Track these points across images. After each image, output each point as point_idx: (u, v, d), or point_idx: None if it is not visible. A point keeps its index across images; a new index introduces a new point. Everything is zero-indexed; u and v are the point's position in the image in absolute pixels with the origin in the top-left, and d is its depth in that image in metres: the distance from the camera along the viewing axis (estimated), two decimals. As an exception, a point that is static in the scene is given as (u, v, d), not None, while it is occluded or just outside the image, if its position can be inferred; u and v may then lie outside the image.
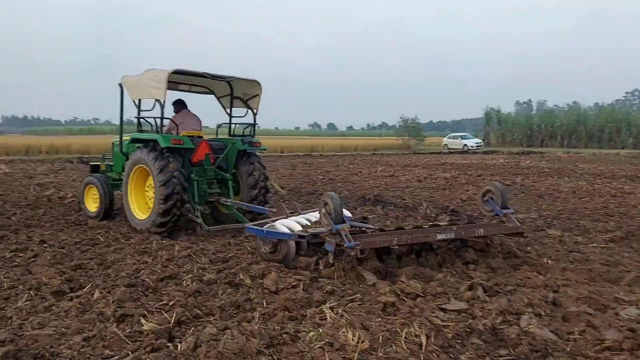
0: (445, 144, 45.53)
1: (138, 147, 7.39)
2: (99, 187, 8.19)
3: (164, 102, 7.09)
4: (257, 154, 8.11)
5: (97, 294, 4.42)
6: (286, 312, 4.05)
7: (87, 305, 4.19)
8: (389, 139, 54.75)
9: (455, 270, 5.19)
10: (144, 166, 7.14)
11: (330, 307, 4.09)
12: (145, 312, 3.98)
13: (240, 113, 8.44)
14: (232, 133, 8.43)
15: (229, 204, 7.57)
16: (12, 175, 16.12)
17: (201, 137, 7.94)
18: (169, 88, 7.67)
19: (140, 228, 7.15)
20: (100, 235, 6.97)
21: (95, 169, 8.96)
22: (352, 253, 4.67)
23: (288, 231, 5.35)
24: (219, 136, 8.70)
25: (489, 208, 6.02)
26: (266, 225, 5.56)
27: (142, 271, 5.19)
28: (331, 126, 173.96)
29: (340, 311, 4.02)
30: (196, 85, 8.53)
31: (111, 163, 8.77)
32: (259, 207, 7.35)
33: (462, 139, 45.06)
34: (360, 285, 4.70)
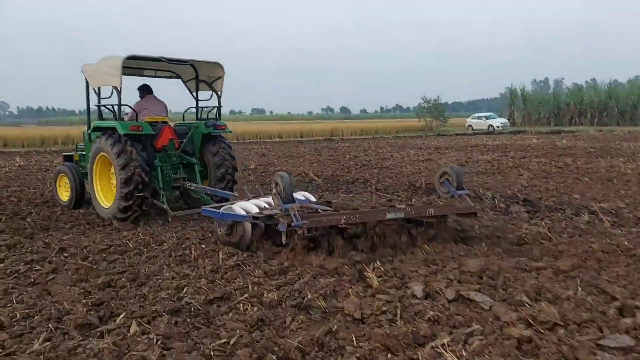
0: (469, 125, 43.96)
1: (98, 136, 7.33)
2: (69, 176, 8.18)
3: (120, 88, 6.98)
4: (222, 136, 8.10)
5: (134, 327, 3.43)
6: (389, 355, 3.01)
7: (123, 345, 3.19)
8: (409, 121, 53.21)
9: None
10: (105, 154, 7.10)
11: (446, 345, 3.05)
12: (202, 357, 2.98)
13: (207, 96, 8.36)
14: (199, 117, 8.34)
15: (193, 188, 7.52)
16: (27, 169, 15.26)
17: (166, 122, 7.82)
18: (132, 74, 8.23)
19: (106, 216, 7.15)
20: (128, 240, 6.00)
21: (68, 159, 8.83)
22: (300, 232, 4.69)
23: (244, 213, 5.31)
24: (186, 121, 8.68)
25: (445, 190, 6.07)
26: (223, 208, 5.55)
27: (185, 289, 4.19)
28: (344, 110, 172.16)
29: (463, 352, 2.97)
30: (162, 70, 8.43)
31: (84, 153, 8.49)
32: (223, 191, 7.23)
33: (487, 119, 43.41)
34: (471, 309, 3.64)
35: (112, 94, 7.21)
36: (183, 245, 5.67)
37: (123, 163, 6.76)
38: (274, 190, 5.04)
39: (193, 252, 5.36)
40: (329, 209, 5.78)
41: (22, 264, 5.06)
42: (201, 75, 8.20)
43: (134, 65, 7.85)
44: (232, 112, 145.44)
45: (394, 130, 42.73)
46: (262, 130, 37.95)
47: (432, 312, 3.53)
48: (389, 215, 5.25)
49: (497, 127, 41.54)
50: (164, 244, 5.78)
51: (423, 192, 9.39)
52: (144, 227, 6.43)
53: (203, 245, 5.60)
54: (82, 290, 4.23)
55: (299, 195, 6.34)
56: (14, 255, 5.42)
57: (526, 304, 3.62)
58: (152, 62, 7.90)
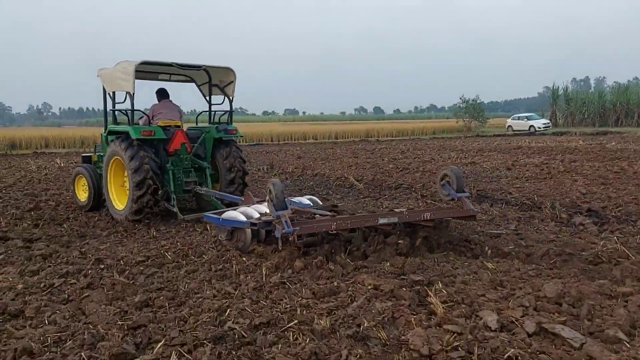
0: (509, 126, 42.62)
1: (112, 140, 7.48)
2: (87, 178, 8.25)
3: (133, 93, 7.13)
4: (234, 140, 8.20)
5: (174, 358, 3.07)
6: (470, 406, 2.55)
7: (162, 382, 2.82)
8: (446, 122, 52.16)
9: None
10: (119, 158, 7.26)
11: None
12: (252, 403, 2.58)
13: (220, 100, 8.51)
14: (212, 120, 8.46)
15: (202, 192, 7.60)
16: (67, 170, 15.33)
17: (179, 126, 7.94)
18: (148, 79, 8.53)
19: (119, 218, 7.30)
20: (167, 250, 5.69)
21: (86, 160, 8.96)
22: (291, 238, 4.72)
23: (243, 219, 5.35)
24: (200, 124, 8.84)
25: (446, 192, 6.00)
26: (224, 214, 5.61)
27: (228, 311, 3.82)
28: (377, 110, 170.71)
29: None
30: (177, 74, 8.57)
31: (102, 154, 8.49)
32: (230, 195, 7.27)
33: (528, 119, 41.98)
34: (557, 346, 3.13)
35: (125, 98, 7.39)
36: (224, 258, 5.32)
37: (135, 167, 6.91)
38: (267, 197, 5.06)
39: (234, 265, 5.00)
40: (329, 214, 5.72)
41: (57, 276, 4.80)
42: (214, 79, 8.35)
43: (148, 70, 8.10)
44: (265, 112, 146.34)
45: (430, 131, 41.87)
46: (296, 131, 37.71)
47: (512, 350, 3.04)
48: (382, 220, 5.23)
49: (539, 128, 40.15)
50: (204, 256, 5.44)
51: (474, 200, 8.82)
52: (183, 236, 6.12)
53: (244, 259, 5.23)
54: (118, 309, 3.90)
55: (305, 199, 6.38)
56: (49, 266, 5.17)
57: (624, 342, 3.09)
58: (165, 67, 8.01)
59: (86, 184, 8.32)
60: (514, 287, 4.22)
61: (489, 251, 5.44)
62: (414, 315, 3.66)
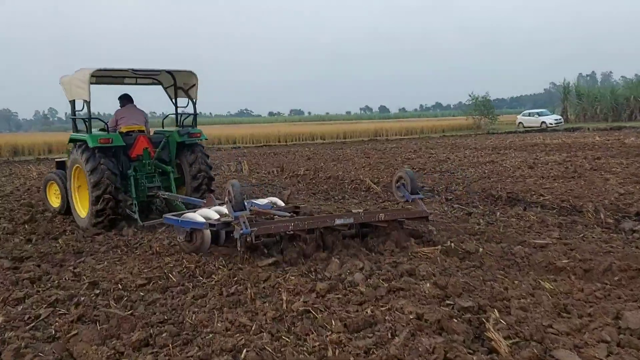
0: (520, 122, 41.74)
1: (72, 148, 7.55)
2: (59, 184, 8.22)
3: (89, 101, 7.11)
4: (200, 144, 8.15)
5: None
6: None
7: None
8: (454, 120, 51.30)
9: None
10: (79, 165, 7.25)
11: None
12: None
13: (183, 103, 8.48)
14: (179, 123, 8.44)
15: (166, 196, 7.55)
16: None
17: (143, 131, 7.92)
18: (114, 83, 8.62)
19: (83, 226, 7.24)
20: (171, 269, 5.03)
21: (60, 165, 8.81)
22: (248, 239, 4.78)
23: (202, 220, 5.35)
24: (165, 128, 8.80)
25: (400, 194, 6.07)
26: (183, 216, 5.62)
27: (245, 352, 3.16)
28: (383, 109, 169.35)
29: None
30: (143, 78, 8.57)
31: None
32: (194, 199, 7.20)
33: (540, 115, 41.06)
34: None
35: (83, 107, 7.43)
36: (235, 279, 4.66)
37: (92, 167, 6.90)
38: (226, 199, 5.10)
39: (249, 288, 4.34)
40: (288, 214, 5.78)
41: (45, 305, 4.16)
42: (178, 82, 8.32)
43: (110, 75, 8.15)
44: (271, 113, 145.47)
45: (439, 130, 41.07)
46: (303, 131, 37.04)
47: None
48: (338, 222, 5.35)
49: (550, 124, 39.25)
50: (213, 276, 4.78)
51: (505, 203, 8.12)
52: (190, 254, 5.48)
53: (263, 288, 4.55)
54: (113, 351, 3.25)
55: (266, 200, 6.43)
56: (37, 292, 4.53)
57: None
58: (128, 71, 7.92)
59: (58, 190, 8.35)
60: (582, 314, 3.55)
61: (540, 264, 4.76)
62: (472, 354, 2.99)
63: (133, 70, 7.71)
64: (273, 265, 4.92)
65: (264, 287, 4.41)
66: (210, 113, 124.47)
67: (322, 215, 5.90)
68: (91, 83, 7.13)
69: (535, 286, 4.14)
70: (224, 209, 5.59)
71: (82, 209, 7.47)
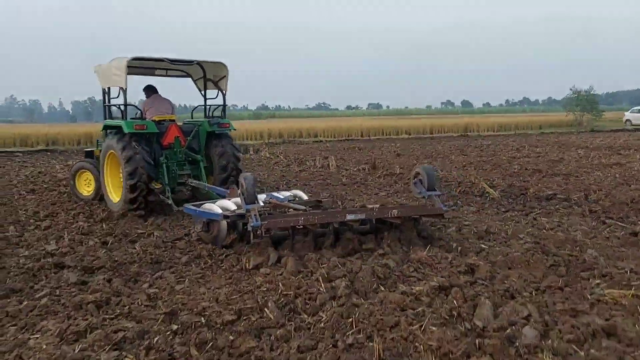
0: (628, 120, 37.55)
1: (107, 135, 7.88)
2: (92, 171, 8.37)
3: (126, 89, 7.30)
4: (229, 135, 8.30)
5: None
6: None
7: None
8: (551, 115, 47.35)
9: None
10: (113, 151, 7.37)
11: None
12: None
13: (213, 95, 8.57)
14: (207, 114, 8.63)
15: (194, 185, 7.65)
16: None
17: (173, 120, 8.02)
18: (144, 74, 8.77)
19: (116, 210, 7.38)
20: (266, 299, 3.92)
21: (89, 154, 9.14)
22: (258, 232, 4.78)
23: (219, 211, 5.37)
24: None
25: (417, 190, 5.97)
26: (202, 206, 5.70)
27: None
28: (466, 103, 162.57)
29: None
30: (173, 69, 8.72)
31: None
32: (219, 188, 7.25)
33: (652, 112, 36.85)
34: None
35: (118, 94, 7.55)
36: (351, 319, 3.47)
37: (127, 156, 7.02)
38: (239, 191, 5.13)
39: (375, 341, 3.13)
40: (303, 208, 5.72)
41: (108, 347, 3.18)
42: (208, 74, 8.37)
43: (143, 65, 8.17)
44: (349, 107, 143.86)
45: (535, 126, 37.90)
46: (386, 125, 35.33)
47: None
48: (350, 217, 5.24)
49: (664, 121, 35.01)
50: (320, 314, 3.62)
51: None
52: (289, 272, 4.37)
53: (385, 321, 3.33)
54: None
55: (288, 193, 6.40)
56: (102, 323, 3.57)
57: None
58: (161, 62, 8.07)
59: (90, 178, 8.50)
60: None
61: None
62: None
63: (168, 59, 7.80)
64: (403, 295, 3.71)
65: (393, 338, 3.18)
66: (288, 106, 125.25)
67: (335, 210, 5.99)
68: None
69: None
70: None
71: (114, 193, 7.68)
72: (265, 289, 4.16)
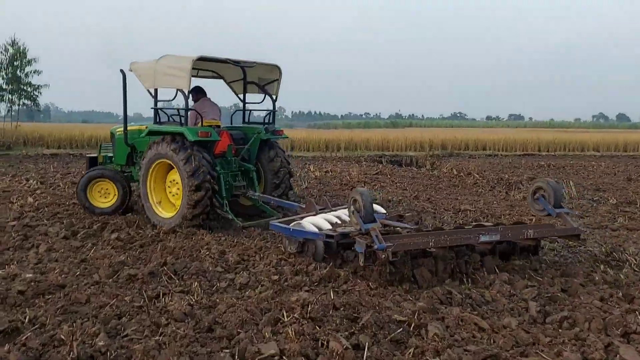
0: None
1: (155, 141, 6.87)
2: (114, 181, 7.56)
3: (188, 91, 6.79)
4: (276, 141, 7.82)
5: None
6: None
7: None
8: None
9: None
10: (166, 160, 6.72)
11: None
12: None
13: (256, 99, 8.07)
14: (247, 120, 8.13)
15: (255, 197, 7.14)
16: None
17: (219, 127, 7.58)
18: (194, 76, 7.84)
19: (167, 227, 6.53)
20: None
21: (93, 161, 8.32)
22: (384, 256, 4.26)
23: (316, 230, 5.04)
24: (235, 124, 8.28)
25: (540, 207, 5.42)
26: (293, 223, 5.32)
27: None
28: (621, 117, 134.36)
29: None
30: (204, 70, 8.04)
31: (111, 154, 8.19)
32: (288, 202, 7.00)
33: None
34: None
35: (175, 96, 7.15)
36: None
37: (193, 169, 6.39)
38: (352, 208, 4.65)
39: None
40: (409, 226, 5.39)
41: None
42: (250, 77, 7.86)
43: (201, 67, 7.75)
44: (489, 117, 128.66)
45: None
46: (569, 139, 30.23)
47: None
48: (483, 238, 4.81)
49: None
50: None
51: None
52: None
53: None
54: None
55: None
56: None
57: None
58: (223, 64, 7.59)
59: (111, 188, 7.58)
60: None
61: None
62: None
63: (232, 60, 7.23)
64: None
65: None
66: (422, 115, 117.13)
67: (465, 230, 5.14)
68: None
69: None
70: (331, 217, 5.46)
71: (162, 210, 6.94)
72: None
